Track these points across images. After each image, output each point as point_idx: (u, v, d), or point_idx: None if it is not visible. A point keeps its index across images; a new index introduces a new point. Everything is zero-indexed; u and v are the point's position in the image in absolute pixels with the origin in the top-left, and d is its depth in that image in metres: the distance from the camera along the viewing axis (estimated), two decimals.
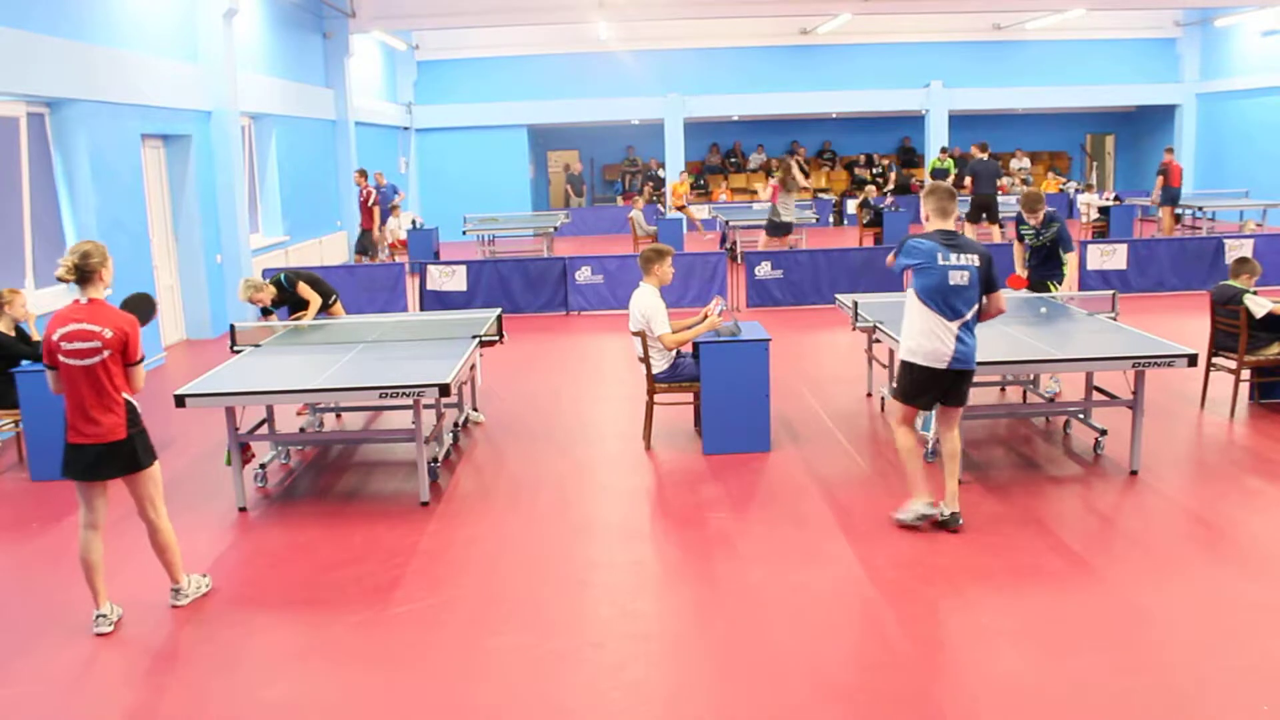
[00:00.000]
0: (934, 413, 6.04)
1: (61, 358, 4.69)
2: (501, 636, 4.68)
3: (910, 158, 26.90)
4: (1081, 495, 6.30)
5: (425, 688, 4.28)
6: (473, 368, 7.72)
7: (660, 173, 25.63)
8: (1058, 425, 7.70)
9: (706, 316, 7.30)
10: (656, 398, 7.41)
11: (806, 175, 26.37)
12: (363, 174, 16.62)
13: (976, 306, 5.52)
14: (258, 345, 7.57)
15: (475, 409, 8.40)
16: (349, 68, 18.41)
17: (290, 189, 15.97)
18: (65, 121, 9.85)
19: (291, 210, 16.02)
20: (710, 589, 5.13)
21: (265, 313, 8.72)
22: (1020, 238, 8.65)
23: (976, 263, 5.46)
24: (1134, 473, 6.55)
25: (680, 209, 21.57)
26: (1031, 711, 3.94)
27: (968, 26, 24.06)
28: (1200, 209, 18.83)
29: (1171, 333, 7.88)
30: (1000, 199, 17.25)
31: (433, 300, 13.21)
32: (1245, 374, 7.84)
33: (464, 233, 19.04)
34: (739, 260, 15.12)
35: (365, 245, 16.40)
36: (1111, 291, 8.15)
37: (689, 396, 7.57)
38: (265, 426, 7.15)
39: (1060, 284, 8.49)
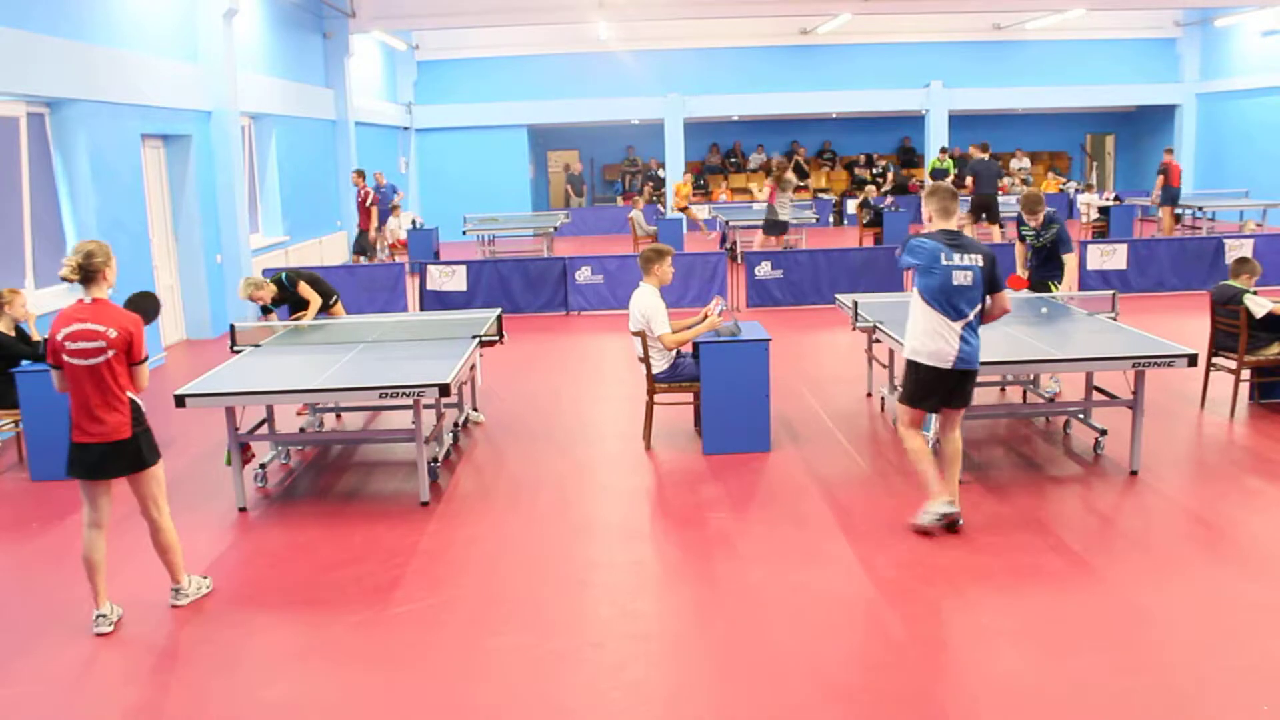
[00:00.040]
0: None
1: (66, 357, 4.70)
2: (501, 636, 4.68)
3: (910, 158, 26.90)
4: (1081, 495, 6.30)
5: (425, 688, 4.28)
6: (473, 368, 7.72)
7: (660, 173, 25.64)
8: (1058, 425, 7.70)
9: (706, 316, 7.30)
10: (656, 398, 7.41)
11: (806, 175, 26.49)
12: (360, 174, 16.63)
13: (980, 306, 5.51)
14: (258, 345, 7.57)
15: (475, 409, 8.40)
16: (349, 68, 18.42)
17: (290, 189, 15.97)
18: (65, 121, 9.85)
19: (291, 210, 16.02)
20: (710, 589, 5.13)
21: (265, 311, 8.72)
22: (1022, 238, 8.66)
23: (980, 263, 5.46)
24: (1134, 473, 6.55)
25: (683, 210, 21.58)
26: (1031, 711, 3.94)
27: (968, 26, 24.06)
28: (1200, 209, 18.83)
29: (1171, 333, 7.88)
30: (1000, 199, 17.26)
31: (433, 300, 13.21)
32: (1245, 374, 7.84)
33: (464, 233, 19.04)
34: (739, 260, 15.12)
35: (363, 246, 16.40)
36: (1111, 291, 8.15)
37: (689, 396, 7.57)
38: (265, 426, 7.15)
39: (1059, 285, 8.49)
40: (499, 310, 8.29)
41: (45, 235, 9.92)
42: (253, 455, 6.59)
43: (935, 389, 5.57)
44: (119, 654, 4.66)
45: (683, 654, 4.54)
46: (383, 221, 17.83)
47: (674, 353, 7.30)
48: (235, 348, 7.45)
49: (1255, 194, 20.35)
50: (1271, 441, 7.23)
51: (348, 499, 6.65)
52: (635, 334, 7.24)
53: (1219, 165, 23.33)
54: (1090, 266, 13.48)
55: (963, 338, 5.46)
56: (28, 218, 9.72)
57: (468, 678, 4.35)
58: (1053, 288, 8.42)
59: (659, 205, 24.08)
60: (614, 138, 27.61)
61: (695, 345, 7.21)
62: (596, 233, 24.30)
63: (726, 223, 18.15)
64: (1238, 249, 13.37)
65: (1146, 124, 26.48)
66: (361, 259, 16.28)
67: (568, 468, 7.09)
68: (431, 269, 13.41)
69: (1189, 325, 10.35)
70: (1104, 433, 7.02)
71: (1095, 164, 27.51)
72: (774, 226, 15.40)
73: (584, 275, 13.51)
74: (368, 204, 16.34)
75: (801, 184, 26.11)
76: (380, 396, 6.10)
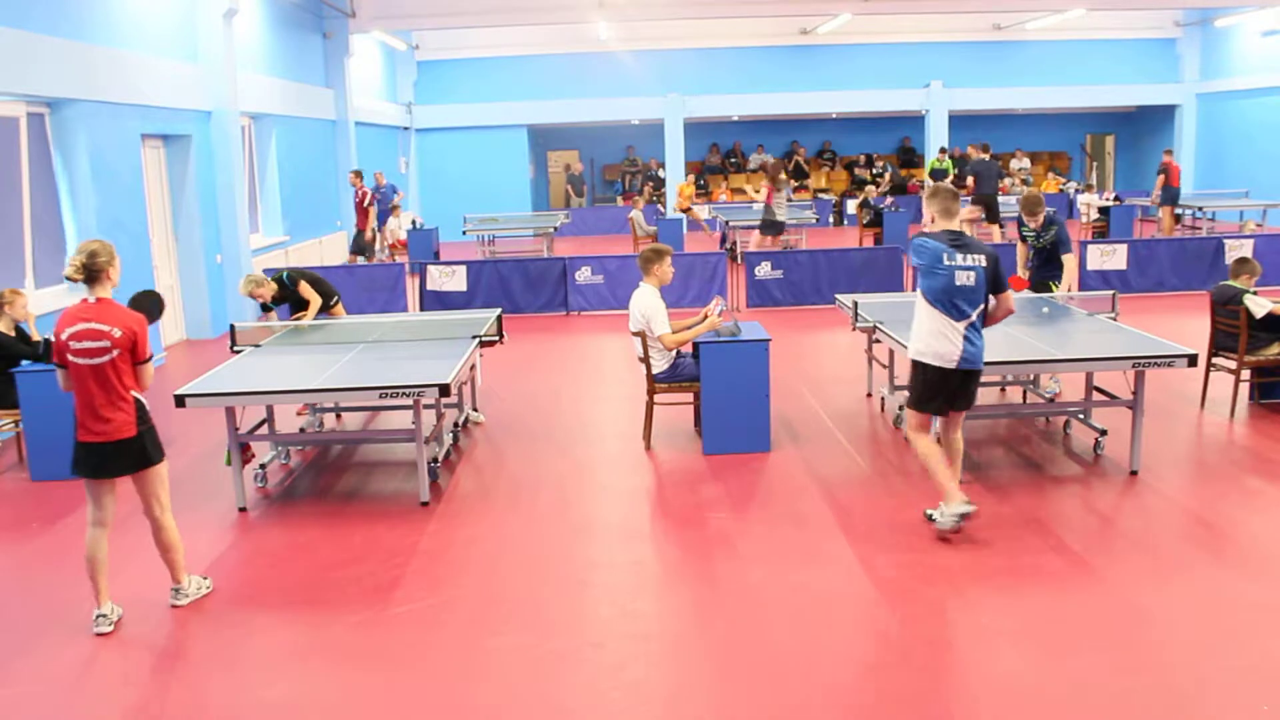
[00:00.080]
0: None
1: (70, 357, 4.71)
2: (501, 636, 4.68)
3: (910, 158, 26.90)
4: (1081, 495, 6.30)
5: (425, 688, 4.28)
6: (473, 368, 7.72)
7: (660, 173, 25.64)
8: (1058, 425, 7.70)
9: (706, 316, 7.30)
10: (656, 398, 7.41)
11: (806, 175, 26.50)
12: (358, 175, 16.63)
13: (982, 307, 5.50)
14: (258, 345, 7.57)
15: (475, 409, 8.40)
16: (349, 68, 18.41)
17: (290, 189, 15.98)
18: (65, 121, 9.85)
19: (291, 210, 16.02)
20: (710, 589, 5.13)
21: (265, 309, 8.72)
22: (1023, 238, 8.66)
23: (983, 263, 5.44)
24: (1134, 473, 6.55)
25: (686, 210, 21.63)
26: (1031, 711, 3.94)
27: (968, 26, 24.06)
28: (1200, 209, 18.83)
29: (1171, 333, 7.88)
30: (1000, 199, 17.26)
31: (433, 300, 13.21)
32: (1245, 374, 7.84)
33: (464, 233, 19.04)
34: (739, 260, 15.12)
35: (360, 246, 16.40)
36: (1111, 291, 8.15)
37: (689, 396, 7.57)
38: (265, 426, 7.15)
39: (1060, 285, 8.49)
40: (499, 310, 8.29)
41: (45, 235, 9.92)
42: (253, 455, 6.59)
43: (940, 389, 5.56)
44: (119, 654, 4.66)
45: (683, 654, 4.54)
46: (383, 221, 17.81)
47: (674, 353, 7.30)
48: (235, 348, 7.45)
49: (1255, 194, 20.35)
50: (1271, 441, 7.23)
51: (348, 499, 6.65)
52: (635, 334, 7.24)
53: (1219, 165, 23.33)
54: (1090, 266, 13.48)
55: (966, 338, 5.45)
56: (28, 218, 9.72)
57: (468, 678, 4.35)
58: (1053, 288, 8.42)
59: (659, 205, 24.09)
60: (614, 138, 27.61)
61: (695, 345, 7.21)
62: (596, 233, 24.30)
63: (726, 223, 18.15)
64: (1238, 249, 13.37)
65: (1146, 124, 26.48)
66: (359, 259, 16.27)
67: (568, 468, 7.09)
68: (431, 269, 13.41)
69: (1189, 325, 10.35)
70: (1104, 433, 7.02)
71: (1095, 164, 27.51)
72: (770, 227, 15.42)
73: (584, 275, 13.51)
74: (365, 204, 16.33)
75: (801, 184, 26.16)
76: (380, 396, 6.10)
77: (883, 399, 8.19)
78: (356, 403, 7.95)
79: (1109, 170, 27.96)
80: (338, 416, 8.58)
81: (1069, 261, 8.36)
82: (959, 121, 24.57)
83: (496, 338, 7.67)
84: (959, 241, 5.47)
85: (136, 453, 4.81)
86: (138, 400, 4.84)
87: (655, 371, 7.28)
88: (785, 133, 27.29)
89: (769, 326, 8.01)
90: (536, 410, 8.62)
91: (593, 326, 12.61)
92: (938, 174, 20.98)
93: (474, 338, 7.40)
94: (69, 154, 9.89)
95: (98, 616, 4.82)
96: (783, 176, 15.81)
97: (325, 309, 8.72)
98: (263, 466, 6.94)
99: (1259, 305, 7.60)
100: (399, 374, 6.39)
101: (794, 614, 4.80)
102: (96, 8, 10.25)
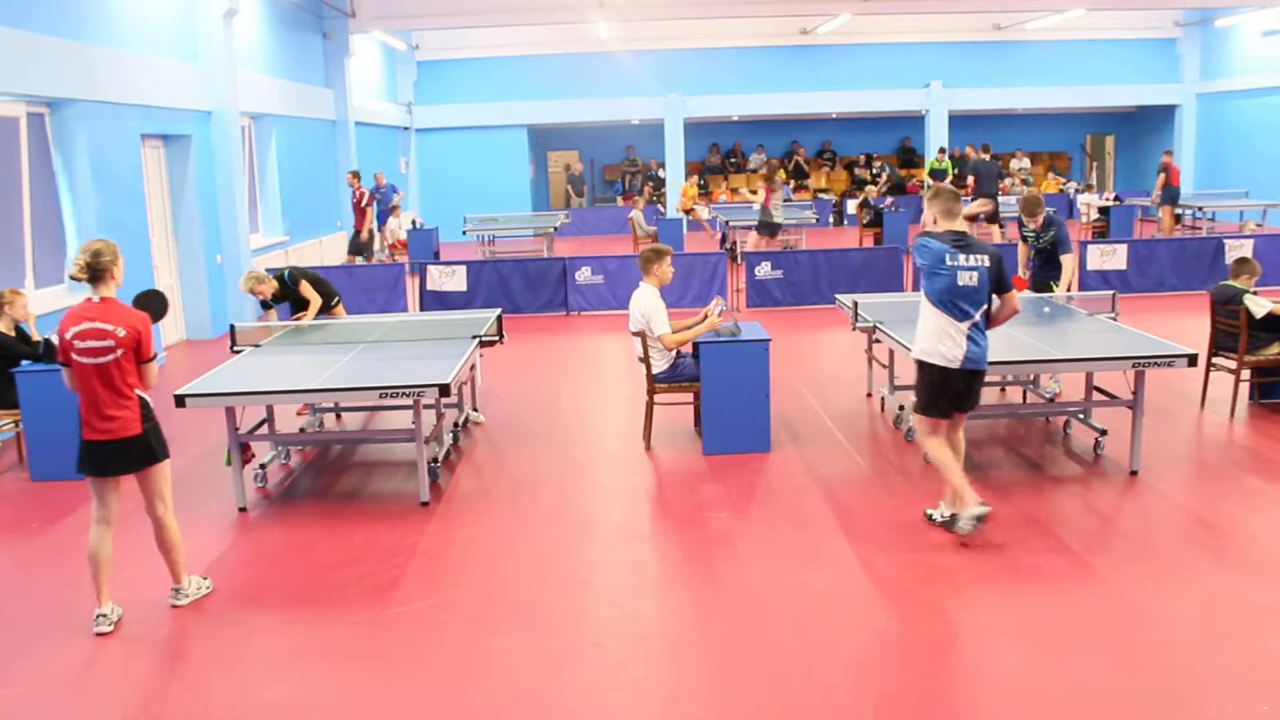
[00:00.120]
0: None
1: (75, 356, 4.72)
2: (501, 636, 4.68)
3: (910, 158, 26.90)
4: (1081, 495, 6.30)
5: (425, 688, 4.28)
6: (473, 368, 7.72)
7: (660, 173, 25.65)
8: (1058, 425, 7.70)
9: (706, 316, 7.30)
10: (656, 398, 7.41)
11: (806, 175, 26.50)
12: (355, 175, 16.62)
13: (985, 307, 5.48)
14: (258, 345, 7.57)
15: (475, 409, 8.40)
16: (349, 68, 18.41)
17: (290, 189, 15.98)
18: (65, 121, 9.85)
19: (291, 210, 16.02)
20: (710, 589, 5.13)
21: (265, 306, 8.72)
22: (1024, 239, 8.67)
23: (986, 263, 5.42)
24: (1134, 473, 6.55)
25: (689, 211, 21.65)
26: (1031, 711, 3.94)
27: (968, 26, 24.06)
28: (1200, 209, 18.83)
29: (1171, 333, 7.88)
30: (1000, 199, 17.25)
31: (433, 300, 13.21)
32: (1245, 374, 7.84)
33: (464, 233, 19.04)
34: (739, 260, 15.12)
35: (358, 247, 16.40)
36: (1111, 291, 8.15)
37: (689, 396, 7.57)
38: (265, 426, 7.15)
39: (1059, 285, 8.49)
40: (499, 310, 8.29)
41: (45, 235, 9.93)
42: (253, 455, 6.59)
43: (945, 390, 5.54)
44: (119, 654, 4.66)
45: (683, 654, 4.54)
46: (383, 221, 17.81)
47: (674, 353, 7.30)
48: (235, 348, 7.46)
49: (1255, 194, 20.35)
50: (1271, 441, 7.23)
51: (348, 499, 6.65)
52: (635, 334, 7.24)
53: (1219, 165, 23.33)
54: (1090, 266, 13.48)
55: (970, 338, 5.44)
56: (28, 218, 9.72)
57: (468, 678, 4.35)
58: (1054, 288, 8.43)
59: (659, 205, 24.09)
60: (614, 138, 27.61)
61: (695, 345, 7.21)
62: (596, 233, 24.30)
63: (726, 223, 18.15)
64: (1238, 249, 13.37)
65: (1146, 124, 26.48)
66: (358, 260, 16.26)
67: (568, 468, 7.09)
68: (431, 269, 13.41)
69: (1189, 325, 10.35)
70: (1104, 433, 7.02)
71: (1095, 164, 27.51)
72: (767, 228, 15.43)
73: (584, 275, 13.51)
74: (362, 205, 16.33)
75: (801, 184, 26.17)
76: (380, 396, 6.10)
77: (883, 399, 8.19)
78: (356, 403, 7.95)
79: (1109, 170, 27.96)
80: (338, 416, 8.58)
81: (1067, 262, 8.35)
82: (959, 121, 24.57)
83: (496, 338, 7.67)
84: (962, 242, 5.45)
85: (141, 450, 4.83)
86: (142, 398, 4.85)
87: (655, 371, 7.28)
88: (785, 133, 27.29)
89: (769, 326, 8.01)
90: (536, 410, 8.62)
91: (593, 326, 12.62)
92: (937, 174, 20.98)
93: (474, 338, 7.40)
94: (69, 154, 9.89)
95: (98, 616, 4.82)
96: (779, 177, 15.81)
97: (326, 309, 8.72)
98: (263, 466, 6.94)
99: (1259, 305, 7.60)
100: (399, 374, 6.39)
101: (794, 614, 4.81)
102: (96, 8, 10.25)
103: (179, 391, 6.13)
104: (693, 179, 24.18)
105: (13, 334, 7.57)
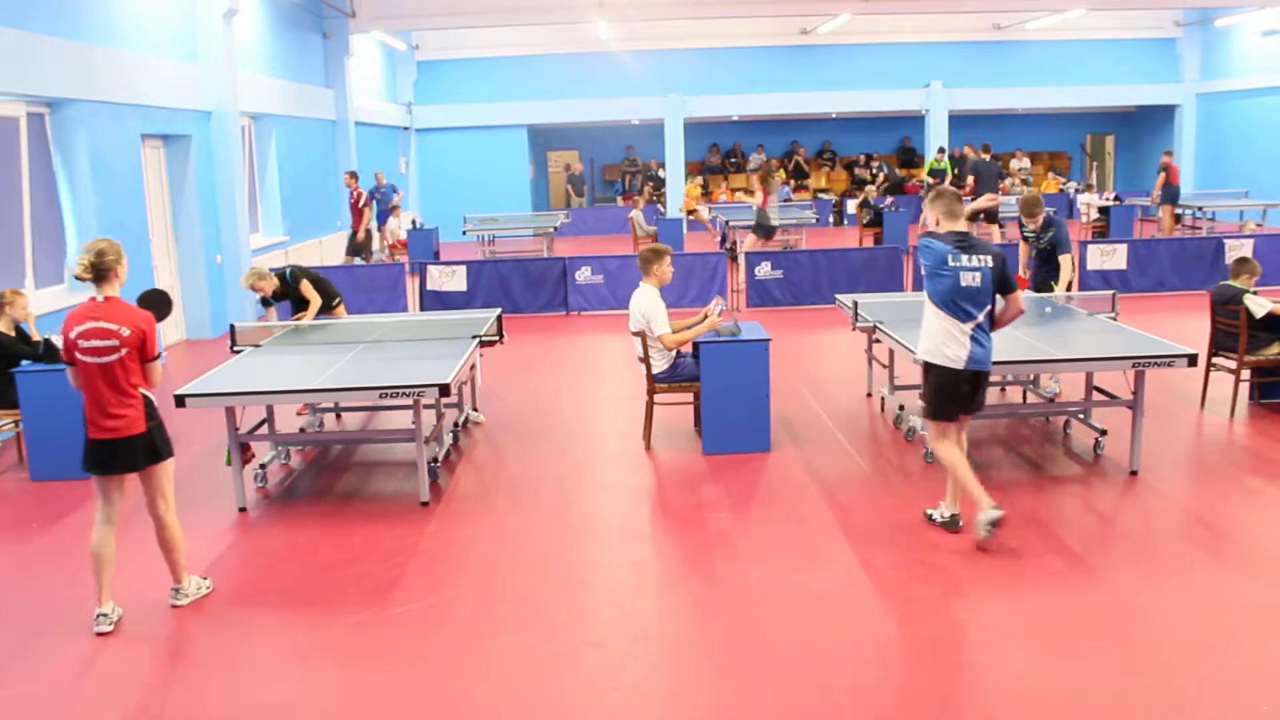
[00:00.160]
0: None
1: (79, 355, 4.73)
2: (501, 636, 4.68)
3: (910, 158, 26.90)
4: (1081, 495, 6.30)
5: (425, 688, 4.28)
6: (473, 368, 7.72)
7: (660, 173, 25.65)
8: (1058, 425, 7.70)
9: (706, 316, 7.30)
10: (656, 398, 7.41)
11: (806, 175, 26.49)
12: (353, 175, 16.62)
13: (989, 308, 5.47)
14: (258, 345, 7.57)
15: (475, 409, 8.40)
16: (349, 68, 18.42)
17: (290, 189, 15.98)
18: (65, 121, 9.85)
19: (291, 210, 16.02)
20: (710, 589, 5.13)
21: (265, 304, 8.72)
22: (1025, 239, 8.67)
23: (990, 264, 5.39)
24: (1134, 473, 6.55)
25: (691, 212, 21.65)
26: (1032, 711, 3.94)
27: (968, 26, 24.06)
28: (1200, 209, 18.83)
29: (1171, 333, 7.88)
30: (1000, 199, 17.24)
31: (433, 300, 13.21)
32: (1245, 374, 7.84)
33: (464, 233, 19.04)
34: (739, 260, 15.13)
35: (356, 248, 16.40)
36: (1111, 291, 8.15)
37: (689, 396, 7.57)
38: (265, 426, 7.15)
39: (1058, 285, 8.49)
40: (499, 310, 8.29)
41: (45, 235, 9.93)
42: (253, 455, 6.59)
43: (952, 390, 5.52)
44: (119, 654, 4.66)
45: (683, 654, 4.54)
46: (383, 221, 17.82)
47: (674, 353, 7.30)
48: (235, 348, 7.45)
49: (1255, 194, 20.34)
50: (1271, 441, 7.23)
51: (348, 499, 6.65)
52: (635, 334, 7.24)
53: (1219, 165, 23.33)
54: (1090, 266, 13.48)
55: (974, 339, 5.43)
56: (28, 218, 9.72)
57: (468, 678, 4.35)
58: (1054, 288, 8.43)
59: (659, 205, 24.09)
60: (614, 138, 27.61)
61: (695, 345, 7.21)
62: (596, 233, 24.31)
63: (727, 223, 18.15)
64: (1238, 249, 13.37)
65: (1146, 124, 26.48)
66: (356, 260, 16.26)
67: (568, 468, 7.09)
68: (431, 269, 13.41)
69: (1189, 325, 10.35)
70: (1104, 433, 7.02)
71: (1095, 164, 27.51)
72: (762, 230, 15.43)
73: (584, 275, 13.51)
74: (360, 205, 16.32)
75: (801, 184, 26.16)
76: (380, 396, 6.11)
77: (883, 399, 8.19)
78: (356, 403, 7.95)
79: (1109, 170, 27.96)
80: (338, 416, 8.58)
81: (1065, 262, 8.35)
82: (959, 121, 24.57)
83: (496, 338, 7.67)
84: (965, 242, 5.43)
85: (146, 448, 4.84)
86: (146, 397, 4.87)
87: (655, 371, 7.28)
88: (785, 133, 27.29)
89: (769, 326, 8.01)
90: (536, 410, 8.62)
91: (593, 326, 12.62)
92: (936, 174, 20.98)
93: (474, 338, 7.40)
94: (69, 154, 9.90)
95: (98, 616, 4.82)
96: (777, 178, 15.79)
97: (327, 310, 8.72)
98: (263, 466, 6.94)
99: (1259, 305, 7.60)
100: (399, 374, 6.39)
101: (794, 614, 4.81)
102: (96, 8, 10.25)
103: (179, 391, 6.13)
104: (695, 179, 24.19)
105: (13, 334, 7.57)
